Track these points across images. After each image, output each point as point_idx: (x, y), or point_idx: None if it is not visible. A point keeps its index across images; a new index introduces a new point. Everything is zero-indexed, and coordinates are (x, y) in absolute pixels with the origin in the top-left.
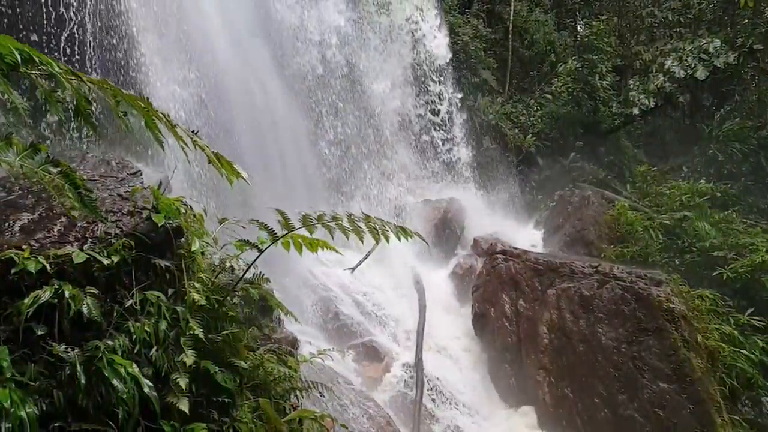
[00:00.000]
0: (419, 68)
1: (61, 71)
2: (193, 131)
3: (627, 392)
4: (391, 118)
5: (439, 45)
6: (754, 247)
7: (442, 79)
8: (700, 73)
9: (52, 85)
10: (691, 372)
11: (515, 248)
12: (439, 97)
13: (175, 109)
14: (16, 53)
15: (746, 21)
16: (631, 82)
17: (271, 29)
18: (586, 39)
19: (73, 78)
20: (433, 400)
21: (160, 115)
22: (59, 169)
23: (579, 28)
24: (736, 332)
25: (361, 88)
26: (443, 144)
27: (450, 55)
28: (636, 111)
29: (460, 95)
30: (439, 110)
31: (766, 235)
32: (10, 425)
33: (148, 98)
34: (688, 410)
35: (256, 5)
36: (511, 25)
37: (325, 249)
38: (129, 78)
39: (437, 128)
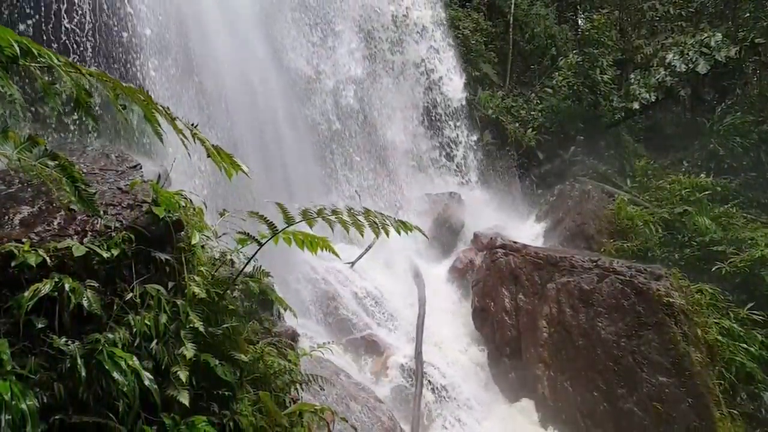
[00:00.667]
0: (434, 110)
1: (60, 63)
2: (192, 124)
3: (626, 386)
4: (406, 162)
5: (455, 88)
6: (753, 242)
7: (458, 123)
8: (702, 67)
9: (51, 78)
10: (691, 366)
11: (515, 242)
12: (455, 143)
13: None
14: (16, 45)
15: (748, 15)
16: (632, 76)
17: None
18: (587, 33)
19: (72, 70)
20: (433, 393)
21: (160, 108)
22: (57, 162)
23: (580, 21)
24: (735, 326)
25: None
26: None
27: (465, 95)
28: (637, 105)
29: (474, 137)
30: (455, 155)
31: (766, 230)
32: (11, 417)
33: (147, 91)
34: (687, 404)
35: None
36: (511, 18)
37: (325, 250)
38: None
39: (454, 173)
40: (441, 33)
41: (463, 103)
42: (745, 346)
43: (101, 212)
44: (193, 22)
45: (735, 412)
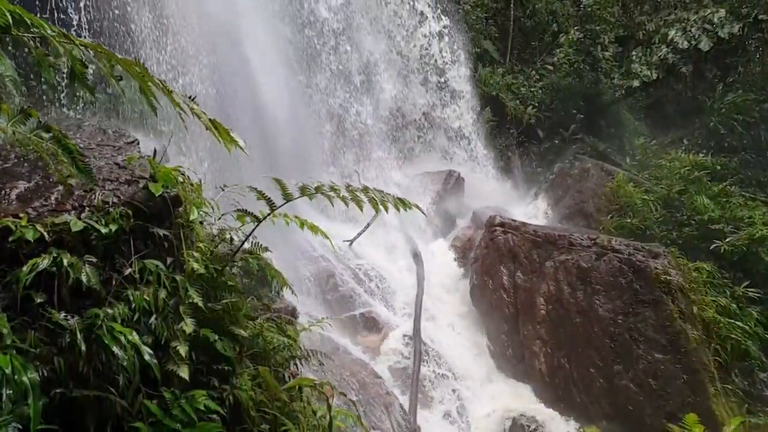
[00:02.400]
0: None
1: (53, 34)
2: (189, 97)
3: (622, 362)
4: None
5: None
6: (751, 221)
7: (459, 102)
8: (704, 44)
9: (46, 50)
10: (686, 343)
11: (514, 221)
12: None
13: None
14: (8, 14)
15: None
16: (633, 53)
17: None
18: (589, 9)
19: (65, 41)
20: (431, 369)
21: (156, 80)
22: (51, 134)
23: None
24: (732, 304)
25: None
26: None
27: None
28: (637, 83)
29: (474, 115)
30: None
31: (765, 209)
32: (12, 391)
33: (143, 63)
34: (682, 380)
35: None
36: None
37: (318, 234)
38: None
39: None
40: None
41: (466, 81)
42: (740, 323)
43: (99, 182)
44: None
45: (729, 387)
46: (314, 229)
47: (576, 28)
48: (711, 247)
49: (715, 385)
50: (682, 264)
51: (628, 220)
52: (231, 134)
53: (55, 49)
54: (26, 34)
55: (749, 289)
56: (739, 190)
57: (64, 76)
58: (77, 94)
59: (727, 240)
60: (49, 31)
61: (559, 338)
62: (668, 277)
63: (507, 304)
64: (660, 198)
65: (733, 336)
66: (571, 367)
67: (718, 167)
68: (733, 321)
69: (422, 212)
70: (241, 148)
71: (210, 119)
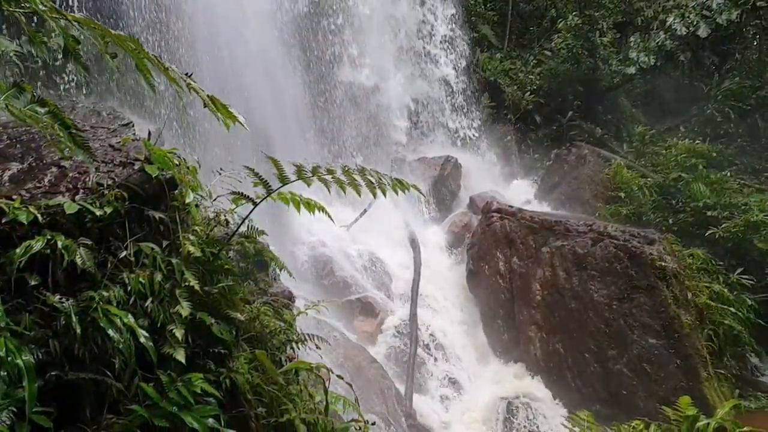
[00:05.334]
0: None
1: (45, 9)
2: (186, 74)
3: (617, 348)
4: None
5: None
6: (747, 207)
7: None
8: (702, 31)
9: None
10: (680, 328)
11: (511, 206)
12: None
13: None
14: None
15: None
16: (632, 39)
17: None
18: None
19: (57, 16)
20: (428, 354)
21: (152, 56)
22: (47, 109)
23: None
24: (725, 290)
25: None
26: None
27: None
28: (635, 69)
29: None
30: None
31: (760, 195)
32: (6, 373)
33: (138, 39)
34: (675, 365)
35: None
36: None
37: (321, 212)
38: None
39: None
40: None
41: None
42: (733, 309)
43: (97, 158)
44: None
45: (721, 372)
46: (311, 207)
47: (575, 13)
48: (706, 234)
49: (708, 370)
50: (677, 250)
51: (624, 207)
52: (230, 110)
53: (47, 23)
54: (17, 10)
55: (743, 276)
56: (735, 176)
57: (60, 59)
58: (72, 76)
59: (722, 226)
60: (40, 6)
61: (554, 323)
62: (663, 263)
63: (503, 290)
64: (656, 184)
65: (726, 322)
66: (565, 351)
67: (714, 154)
68: (726, 307)
69: (421, 193)
70: (241, 123)
71: (208, 95)
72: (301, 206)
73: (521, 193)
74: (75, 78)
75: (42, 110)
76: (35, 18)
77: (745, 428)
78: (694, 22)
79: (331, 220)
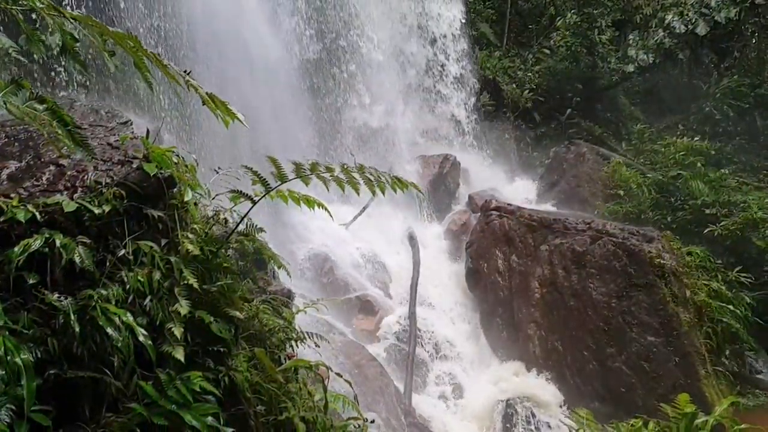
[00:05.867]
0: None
1: (42, 6)
2: (185, 71)
3: (615, 345)
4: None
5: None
6: (745, 205)
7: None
8: (701, 29)
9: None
10: (679, 326)
11: (509, 205)
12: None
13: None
14: None
15: None
16: (630, 37)
17: None
18: None
19: (55, 14)
20: (426, 352)
21: (150, 54)
22: (45, 105)
23: None
24: (723, 288)
25: None
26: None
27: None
28: (634, 67)
29: (472, 98)
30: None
31: (758, 193)
32: (5, 372)
33: (136, 36)
34: (674, 363)
35: None
36: None
37: (320, 208)
38: None
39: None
40: None
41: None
42: (731, 307)
43: (96, 155)
44: None
45: (720, 370)
46: (310, 203)
47: (573, 11)
48: (704, 232)
49: (706, 368)
50: (676, 248)
51: (623, 205)
52: (229, 108)
53: (45, 20)
54: (15, 7)
55: (741, 274)
56: (734, 174)
57: (58, 55)
58: (70, 73)
59: (720, 224)
60: (38, 3)
61: (553, 321)
62: (662, 261)
63: (502, 288)
64: (655, 182)
65: (724, 320)
66: (564, 349)
67: (713, 152)
68: (724, 305)
69: (420, 191)
70: (240, 121)
71: (207, 93)
72: (301, 203)
73: (520, 192)
74: (77, 78)
75: (40, 107)
76: (34, 16)
77: (743, 425)
78: (693, 20)
79: (331, 217)
